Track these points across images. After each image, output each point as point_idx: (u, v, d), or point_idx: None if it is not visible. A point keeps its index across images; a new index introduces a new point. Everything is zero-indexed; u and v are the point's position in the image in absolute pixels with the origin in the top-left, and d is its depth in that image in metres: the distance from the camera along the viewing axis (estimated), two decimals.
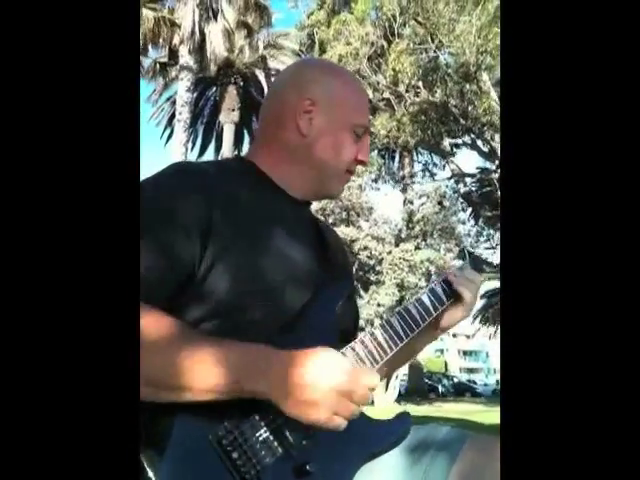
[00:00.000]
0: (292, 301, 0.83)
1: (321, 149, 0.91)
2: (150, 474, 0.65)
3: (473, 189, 14.54)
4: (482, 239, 14.72)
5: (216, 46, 14.39)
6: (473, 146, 12.67)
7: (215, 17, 14.67)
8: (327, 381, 0.68)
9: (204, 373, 0.68)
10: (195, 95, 15.99)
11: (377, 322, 0.89)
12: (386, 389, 14.59)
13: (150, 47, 14.28)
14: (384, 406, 12.49)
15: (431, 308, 0.94)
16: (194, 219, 0.77)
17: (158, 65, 15.79)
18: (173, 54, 14.83)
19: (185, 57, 14.40)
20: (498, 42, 9.13)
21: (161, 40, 14.13)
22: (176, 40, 14.22)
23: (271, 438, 0.71)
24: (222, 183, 0.85)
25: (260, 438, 0.71)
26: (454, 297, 0.99)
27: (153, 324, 0.69)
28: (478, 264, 1.03)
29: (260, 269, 0.81)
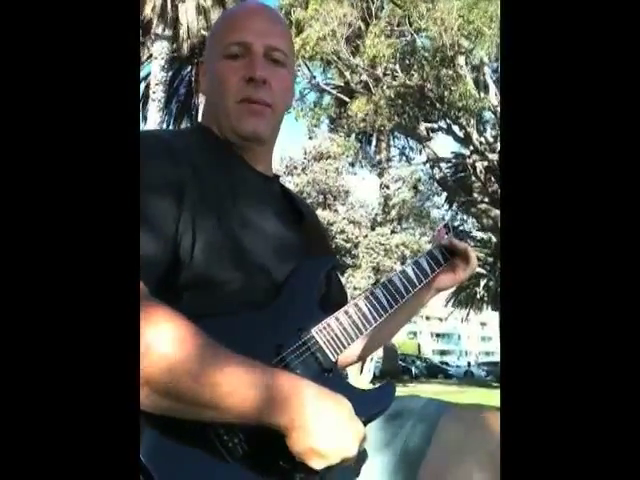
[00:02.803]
0: (269, 270, 0.82)
1: (208, 94, 0.92)
2: None
3: (448, 174, 14.66)
4: (456, 224, 14.87)
5: (190, 23, 14.05)
6: (448, 131, 12.74)
7: None
8: (341, 443, 0.66)
9: (234, 397, 0.64)
10: (170, 74, 15.64)
11: (362, 294, 0.91)
12: (361, 372, 14.77)
13: None
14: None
15: (415, 280, 0.95)
16: (167, 185, 0.74)
17: None
18: (145, 30, 14.41)
19: (159, 34, 14.03)
20: (478, 24, 9.13)
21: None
22: (148, 12, 13.75)
23: None
24: (188, 152, 0.83)
25: None
26: (446, 263, 1.01)
27: (184, 337, 0.64)
28: (461, 236, 1.05)
29: (232, 235, 0.79)
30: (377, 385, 0.85)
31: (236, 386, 0.64)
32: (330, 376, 0.79)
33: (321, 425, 0.66)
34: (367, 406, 0.82)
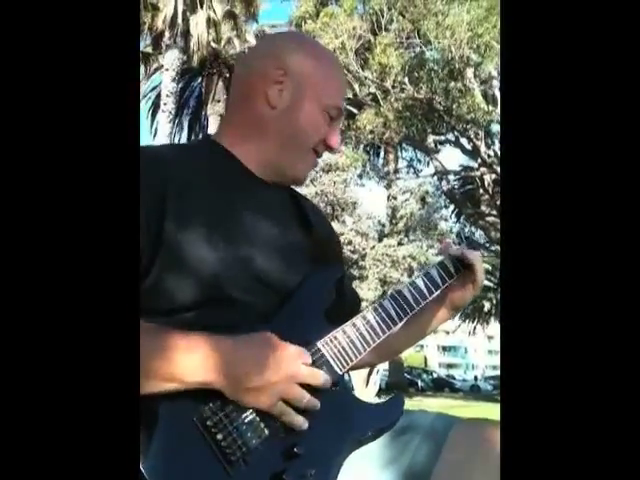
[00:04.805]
0: (274, 281, 0.82)
1: (288, 122, 0.86)
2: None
3: (456, 186, 14.65)
4: (463, 236, 14.80)
5: (200, 36, 14.19)
6: (456, 144, 12.74)
7: (201, 5, 14.45)
8: (266, 367, 0.69)
9: (153, 364, 0.67)
10: (180, 85, 15.78)
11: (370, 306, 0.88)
12: (367, 384, 14.67)
13: None
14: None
15: (425, 291, 0.92)
16: (143, 204, 0.73)
17: (141, 54, 15.51)
18: (156, 41, 14.58)
19: (169, 46, 14.18)
20: (487, 39, 9.16)
21: (145, 27, 13.84)
22: (159, 24, 13.90)
23: (257, 420, 0.71)
24: (180, 165, 0.82)
25: (246, 420, 0.70)
26: (458, 274, 0.96)
27: None
28: (474, 246, 1.02)
29: (233, 247, 0.79)
30: (386, 399, 0.84)
31: (153, 354, 0.67)
32: (336, 389, 0.78)
33: (237, 366, 0.69)
34: (375, 420, 0.81)
